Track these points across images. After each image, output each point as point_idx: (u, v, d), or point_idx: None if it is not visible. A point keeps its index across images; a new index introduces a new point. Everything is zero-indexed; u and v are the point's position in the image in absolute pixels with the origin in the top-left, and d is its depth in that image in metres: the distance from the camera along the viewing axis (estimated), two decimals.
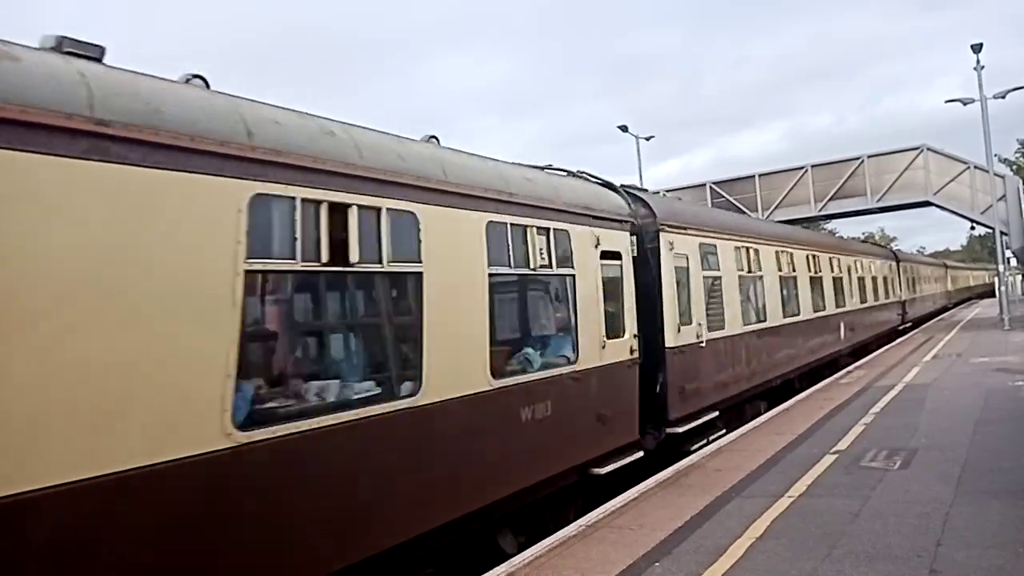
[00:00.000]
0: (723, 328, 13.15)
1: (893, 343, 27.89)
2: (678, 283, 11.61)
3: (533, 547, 7.11)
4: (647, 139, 41.87)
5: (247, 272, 5.06)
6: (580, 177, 10.87)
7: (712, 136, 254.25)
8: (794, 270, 17.96)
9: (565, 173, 10.77)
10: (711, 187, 38.12)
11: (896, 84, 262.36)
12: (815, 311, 19.34)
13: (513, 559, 6.82)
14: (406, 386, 6.41)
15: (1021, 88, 30.92)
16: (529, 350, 8.36)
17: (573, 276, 9.00)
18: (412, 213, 6.57)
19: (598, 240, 9.60)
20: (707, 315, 12.51)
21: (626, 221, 10.57)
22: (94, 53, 4.74)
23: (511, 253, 7.86)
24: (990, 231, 34.82)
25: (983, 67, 30.78)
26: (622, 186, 11.45)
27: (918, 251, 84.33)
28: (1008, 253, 35.11)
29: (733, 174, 38.89)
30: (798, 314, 17.91)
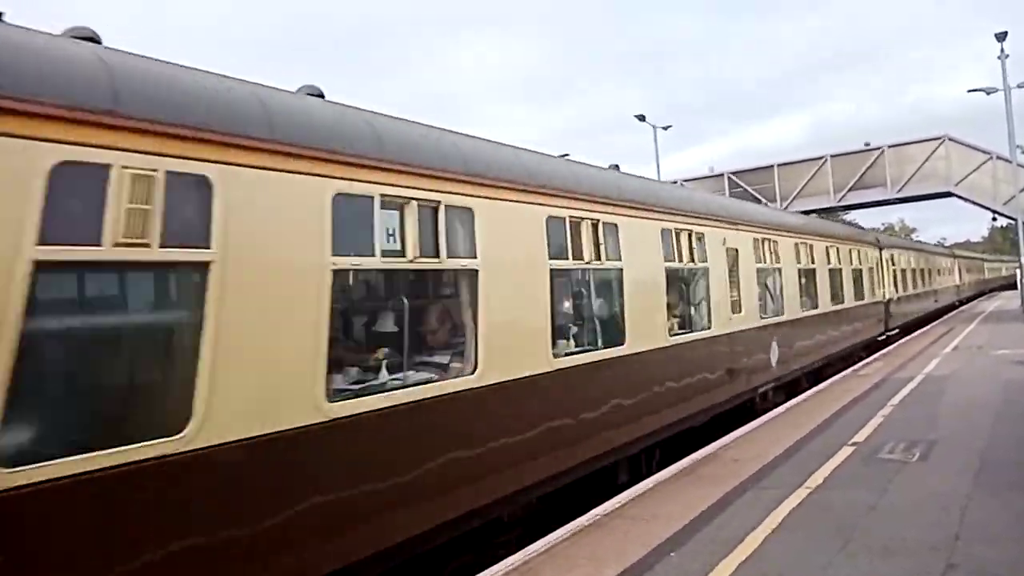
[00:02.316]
0: (898, 291, 27.78)
1: (914, 334, 27.76)
2: (889, 271, 26.46)
3: (548, 536, 7.14)
4: (664, 128, 41.58)
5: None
6: (858, 227, 32.01)
7: (734, 125, 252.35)
8: (913, 265, 32.25)
9: (859, 227, 32.82)
10: (729, 177, 37.90)
11: (923, 73, 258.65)
12: (922, 287, 34.19)
13: (528, 547, 6.84)
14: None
15: None
16: (856, 293, 21.47)
17: (872, 267, 23.52)
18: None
19: (869, 252, 23.77)
20: (894, 285, 27.22)
21: (875, 244, 25.03)
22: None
23: (860, 259, 22.20)
24: (1012, 222, 34.37)
25: (1007, 56, 30.34)
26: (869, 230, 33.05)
27: (939, 243, 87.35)
28: None
29: (754, 164, 38.64)
30: (915, 288, 32.29)
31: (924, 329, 30.42)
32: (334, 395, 5.44)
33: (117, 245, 4.15)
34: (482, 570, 6.42)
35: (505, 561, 6.54)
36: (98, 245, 4.09)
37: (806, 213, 29.74)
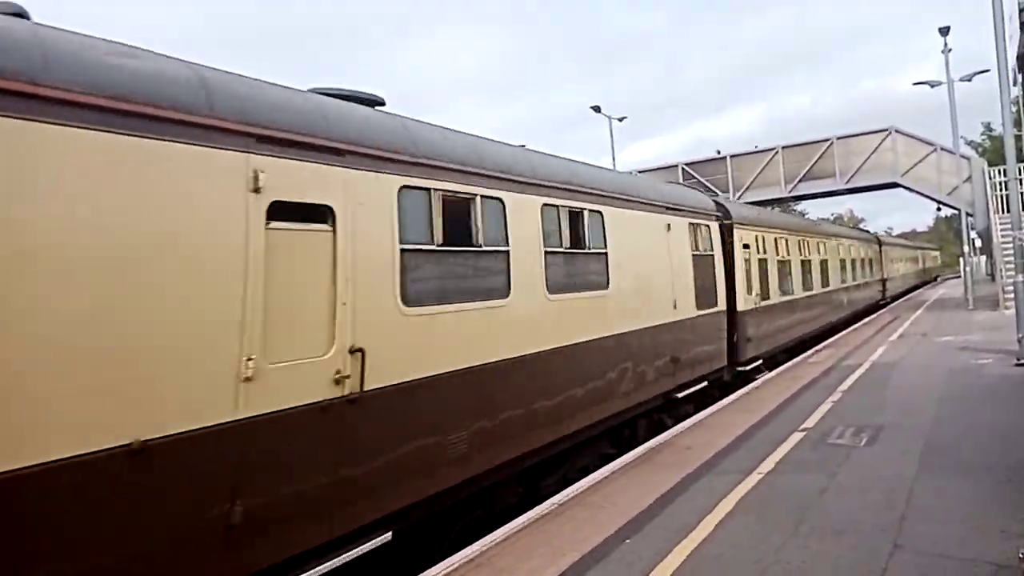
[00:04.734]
0: (890, 274, 43.28)
1: (861, 322, 28.42)
2: (886, 259, 43.25)
3: (506, 525, 7.15)
4: (620, 120, 41.84)
5: None
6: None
7: (690, 118, 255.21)
8: (897, 255, 44.24)
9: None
10: (683, 168, 38.27)
11: (873, 67, 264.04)
12: (902, 271, 48.92)
13: (484, 539, 6.84)
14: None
15: (986, 71, 31.26)
16: (872, 273, 37.25)
17: (877, 257, 38.88)
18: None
19: (875, 247, 39.04)
20: (888, 269, 42.99)
21: (876, 242, 40.71)
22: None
23: (874, 252, 37.55)
24: (956, 212, 35.33)
25: (951, 50, 31.04)
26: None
27: (886, 232, 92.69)
28: (973, 234, 35.69)
29: (709, 155, 39.08)
30: (898, 272, 46.23)
31: (872, 316, 31.49)
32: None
33: None
34: None
35: (462, 552, 6.53)
36: None
37: (758, 204, 30.19)
